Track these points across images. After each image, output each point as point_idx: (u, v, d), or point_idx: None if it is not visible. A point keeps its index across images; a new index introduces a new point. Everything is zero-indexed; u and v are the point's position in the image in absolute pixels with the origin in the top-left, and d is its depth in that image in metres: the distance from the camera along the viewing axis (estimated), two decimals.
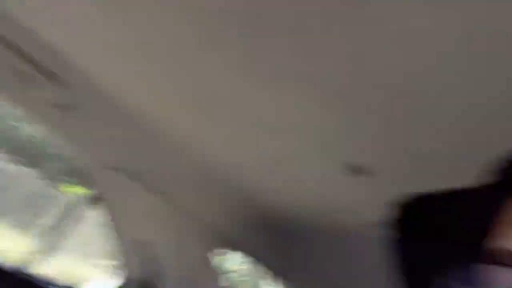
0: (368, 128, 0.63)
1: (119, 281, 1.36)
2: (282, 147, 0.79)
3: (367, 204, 0.84)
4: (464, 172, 0.55)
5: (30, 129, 5.91)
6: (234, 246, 1.28)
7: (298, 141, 0.75)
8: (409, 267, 0.35)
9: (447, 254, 0.33)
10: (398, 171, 0.65)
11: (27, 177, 5.81)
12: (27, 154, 5.93)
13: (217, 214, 1.20)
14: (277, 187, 1.00)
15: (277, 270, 1.28)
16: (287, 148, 0.79)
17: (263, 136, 0.78)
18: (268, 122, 0.73)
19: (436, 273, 0.29)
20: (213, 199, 1.15)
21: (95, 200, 1.36)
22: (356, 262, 1.07)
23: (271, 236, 1.19)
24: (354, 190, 0.82)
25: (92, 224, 4.98)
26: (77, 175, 4.66)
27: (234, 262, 4.45)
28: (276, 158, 0.84)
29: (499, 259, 0.28)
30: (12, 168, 5.77)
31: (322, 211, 1.01)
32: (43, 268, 4.45)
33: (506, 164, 0.33)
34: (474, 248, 0.29)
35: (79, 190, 5.06)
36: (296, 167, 0.85)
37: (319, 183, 0.88)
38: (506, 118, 0.49)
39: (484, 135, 0.51)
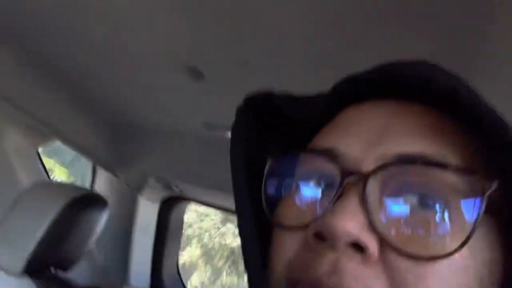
0: (207, 34, 0.72)
1: None
2: (128, 45, 0.86)
3: (201, 106, 1.01)
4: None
5: None
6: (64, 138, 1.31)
7: (145, 41, 0.82)
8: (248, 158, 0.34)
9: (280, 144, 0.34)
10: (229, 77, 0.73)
11: None
12: None
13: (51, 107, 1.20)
14: (117, 84, 1.08)
15: (109, 164, 1.39)
16: (134, 47, 0.86)
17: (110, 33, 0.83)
18: (116, 19, 0.78)
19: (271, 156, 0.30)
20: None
21: None
22: (188, 161, 1.24)
23: (107, 132, 1.27)
24: (190, 93, 0.96)
25: None
26: None
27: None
28: (118, 55, 0.92)
29: None
30: None
31: (161, 111, 1.15)
32: None
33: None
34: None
35: None
36: (140, 67, 0.93)
37: (159, 83, 0.99)
38: None
39: None
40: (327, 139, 0.30)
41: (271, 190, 0.32)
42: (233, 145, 0.34)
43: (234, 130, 0.34)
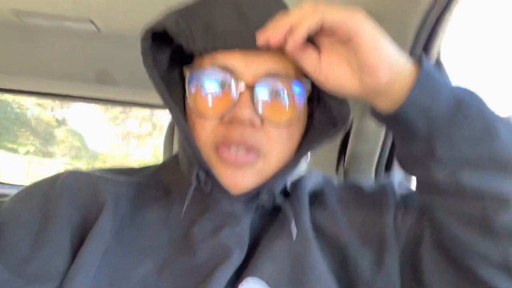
0: None
1: None
2: None
3: None
4: None
5: None
6: None
7: None
8: None
9: None
10: None
11: None
12: None
13: None
14: None
15: None
16: None
17: None
18: None
19: None
20: None
21: None
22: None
23: None
24: None
25: None
26: None
27: None
28: None
29: None
30: None
31: None
32: None
33: None
34: None
35: None
36: None
37: None
38: None
39: None
40: (223, 59, 0.49)
41: (192, 91, 0.51)
42: (148, 68, 0.51)
43: (144, 54, 0.51)
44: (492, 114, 0.42)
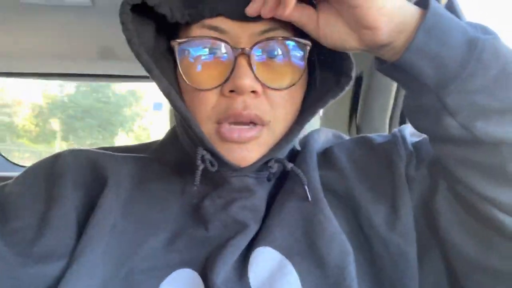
0: None
1: None
2: None
3: None
4: None
5: None
6: None
7: None
8: None
9: None
10: None
11: None
12: None
13: None
14: None
15: None
16: None
17: None
18: None
19: None
20: None
21: None
22: None
23: None
24: None
25: None
26: None
27: None
28: None
29: None
30: None
31: None
32: None
33: None
34: None
35: None
36: None
37: None
38: None
39: None
40: (213, 25, 0.46)
41: (184, 64, 0.47)
42: (133, 46, 0.46)
43: (126, 31, 0.46)
44: (507, 53, 0.39)
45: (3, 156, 1.77)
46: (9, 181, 0.50)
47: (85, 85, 6.79)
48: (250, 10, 0.43)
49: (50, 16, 1.19)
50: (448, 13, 0.40)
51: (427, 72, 0.39)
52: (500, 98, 0.38)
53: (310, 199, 0.49)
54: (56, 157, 0.51)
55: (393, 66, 0.42)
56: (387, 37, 0.40)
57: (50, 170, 0.49)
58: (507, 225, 0.41)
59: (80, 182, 0.48)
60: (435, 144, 0.45)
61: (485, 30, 0.41)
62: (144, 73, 0.46)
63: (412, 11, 0.40)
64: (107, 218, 0.45)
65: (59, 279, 0.42)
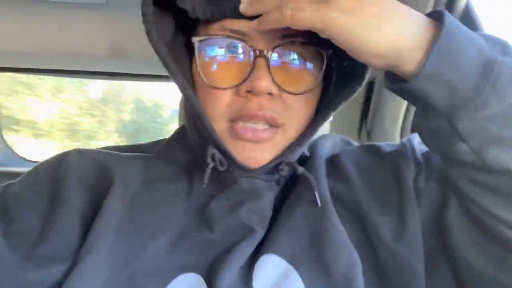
0: None
1: None
2: None
3: None
4: None
5: None
6: None
7: None
8: None
9: None
10: None
11: None
12: None
13: None
14: None
15: None
16: None
17: None
18: None
19: None
20: None
21: None
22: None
23: None
24: None
25: None
26: None
27: None
28: None
29: None
30: None
31: None
32: None
33: None
34: None
35: None
36: None
37: None
38: None
39: None
40: (234, 25, 0.45)
41: (202, 61, 0.47)
42: (152, 38, 0.46)
43: (146, 23, 0.46)
44: None
45: (11, 150, 1.78)
46: (14, 180, 0.50)
47: None
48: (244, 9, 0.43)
49: (62, 13, 1.20)
50: (463, 29, 0.38)
51: (438, 97, 0.37)
52: None
53: (319, 205, 0.48)
54: (62, 158, 0.50)
55: (402, 90, 0.40)
56: (391, 63, 0.39)
57: (56, 170, 0.49)
58: None
59: (86, 183, 0.48)
60: (447, 164, 0.44)
61: (504, 49, 0.38)
62: (155, 72, 0.46)
63: (420, 31, 0.38)
64: (111, 220, 0.45)
65: (62, 281, 0.42)
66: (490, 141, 0.37)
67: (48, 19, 1.22)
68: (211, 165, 0.46)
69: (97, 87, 2.96)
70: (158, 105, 3.18)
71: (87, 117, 2.99)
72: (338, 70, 0.52)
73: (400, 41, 0.37)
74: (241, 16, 0.44)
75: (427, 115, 0.41)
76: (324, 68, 0.48)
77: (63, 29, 1.26)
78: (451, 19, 0.37)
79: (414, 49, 0.37)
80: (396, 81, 0.41)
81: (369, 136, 1.17)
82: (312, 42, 0.46)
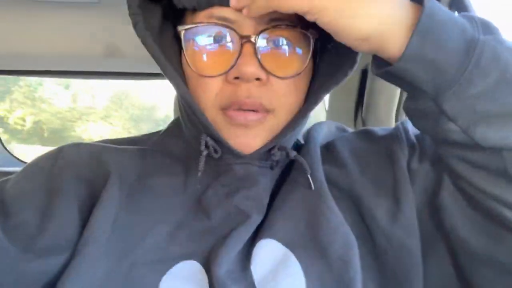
0: None
1: None
2: None
3: None
4: None
5: None
6: None
7: None
8: None
9: None
10: None
11: None
12: None
13: None
14: None
15: None
16: None
17: None
18: None
19: None
20: None
21: None
22: None
23: None
24: None
25: None
26: None
27: None
28: None
29: None
30: None
31: None
32: None
33: None
34: None
35: None
36: None
37: None
38: None
39: None
40: (220, 12, 0.46)
41: (190, 50, 0.48)
42: (139, 31, 0.48)
43: (133, 16, 0.47)
44: (508, 55, 0.37)
45: (8, 151, 1.79)
46: (11, 176, 0.50)
47: None
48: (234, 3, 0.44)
49: (56, 13, 1.20)
50: (444, 10, 0.39)
51: (423, 78, 0.38)
52: (500, 103, 0.37)
53: (313, 187, 0.49)
54: (59, 151, 0.51)
55: (388, 73, 0.41)
56: (376, 47, 0.40)
57: (53, 164, 0.49)
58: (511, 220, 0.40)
59: (83, 176, 0.49)
60: (437, 145, 0.45)
61: (486, 28, 0.39)
62: (150, 70, 0.47)
63: (403, 13, 0.39)
64: (109, 212, 0.46)
65: (62, 272, 0.43)
66: (477, 119, 0.38)
67: (41, 20, 1.22)
68: (205, 152, 0.47)
69: None
70: None
71: None
72: (329, 54, 0.52)
73: (383, 24, 0.38)
74: (228, 4, 0.44)
75: (415, 97, 0.41)
76: (311, 51, 0.48)
77: (56, 29, 1.26)
78: (431, 1, 0.38)
79: (397, 31, 0.38)
80: (382, 65, 0.41)
81: (364, 124, 1.18)
82: (299, 25, 0.46)
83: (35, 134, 3.34)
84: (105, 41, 1.29)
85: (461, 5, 0.83)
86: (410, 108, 0.44)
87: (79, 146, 0.52)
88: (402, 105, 1.06)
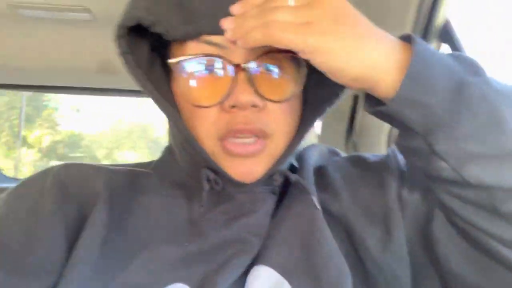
0: None
1: None
2: None
3: None
4: None
5: None
6: None
7: None
8: None
9: None
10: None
11: None
12: None
13: None
14: None
15: None
16: None
17: None
18: None
19: None
20: None
21: None
22: None
23: None
24: None
25: None
26: None
27: None
28: None
29: None
30: None
31: None
32: None
33: None
34: None
35: None
36: None
37: None
38: None
39: None
40: (211, 41, 0.45)
41: (183, 81, 0.47)
42: (131, 69, 0.47)
43: (123, 55, 0.47)
44: (496, 96, 0.38)
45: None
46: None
47: None
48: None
49: (49, 29, 1.20)
50: (433, 52, 0.39)
51: (414, 120, 0.39)
52: (488, 144, 0.37)
53: (319, 207, 0.48)
54: (47, 172, 0.50)
55: (380, 112, 0.41)
56: (367, 87, 0.40)
57: (41, 184, 0.48)
58: (503, 255, 0.40)
59: (71, 197, 0.47)
60: (430, 181, 0.44)
61: (474, 69, 0.40)
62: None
63: (392, 56, 0.39)
64: (98, 233, 0.44)
65: None
66: (467, 159, 0.38)
67: (37, 35, 1.23)
68: (207, 188, 0.46)
69: None
70: None
71: None
72: (320, 74, 0.52)
73: (375, 67, 0.39)
74: (218, 32, 0.43)
75: (407, 136, 0.42)
76: (304, 71, 0.48)
77: (51, 45, 1.26)
78: (420, 44, 0.39)
79: (389, 74, 0.39)
80: (375, 104, 0.42)
81: (355, 148, 1.19)
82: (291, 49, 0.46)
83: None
84: (99, 58, 1.29)
85: (448, 37, 0.85)
86: (401, 145, 0.44)
87: (69, 167, 0.51)
88: (393, 130, 1.08)
